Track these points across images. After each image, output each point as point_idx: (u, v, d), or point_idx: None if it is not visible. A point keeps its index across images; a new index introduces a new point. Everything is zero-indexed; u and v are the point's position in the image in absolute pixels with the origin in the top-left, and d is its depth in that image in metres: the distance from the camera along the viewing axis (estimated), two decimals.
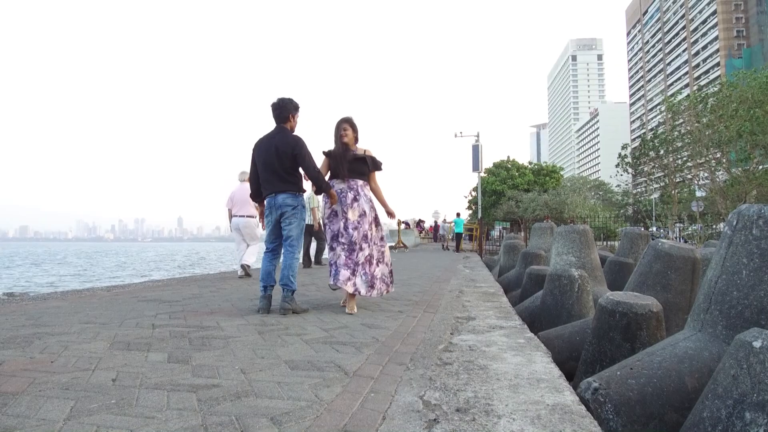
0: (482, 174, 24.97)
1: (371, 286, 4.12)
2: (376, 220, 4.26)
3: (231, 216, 7.50)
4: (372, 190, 4.36)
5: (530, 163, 46.32)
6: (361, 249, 4.07)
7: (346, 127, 4.25)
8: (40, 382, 1.99)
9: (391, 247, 24.45)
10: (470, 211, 46.73)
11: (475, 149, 21.53)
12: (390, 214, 4.48)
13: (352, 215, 4.11)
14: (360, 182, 4.22)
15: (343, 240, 4.07)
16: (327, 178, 4.27)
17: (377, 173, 4.41)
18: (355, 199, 4.15)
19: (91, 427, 1.54)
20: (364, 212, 4.15)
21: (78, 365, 2.26)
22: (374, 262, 4.18)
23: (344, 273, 3.99)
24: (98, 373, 2.13)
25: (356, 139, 4.32)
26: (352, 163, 4.18)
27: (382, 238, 4.30)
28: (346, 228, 4.07)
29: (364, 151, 4.32)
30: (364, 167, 4.26)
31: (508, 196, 36.90)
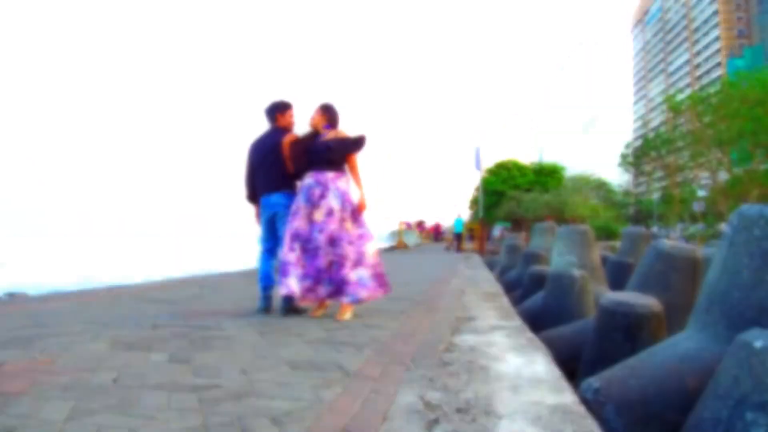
0: (483, 174, 24.96)
1: (339, 292, 3.62)
2: (352, 216, 3.73)
3: None
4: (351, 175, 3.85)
5: (531, 163, 46.33)
6: (325, 254, 3.60)
7: (314, 111, 3.84)
8: (41, 383, 1.99)
9: (392, 248, 24.41)
10: (471, 212, 46.72)
11: (477, 149, 21.56)
12: (360, 208, 3.80)
13: (318, 215, 3.64)
14: (330, 174, 3.70)
15: (310, 245, 3.63)
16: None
17: (358, 155, 3.82)
18: (322, 196, 3.66)
19: (92, 428, 1.54)
20: (331, 210, 3.65)
21: (79, 366, 2.26)
22: (348, 264, 3.62)
23: (303, 284, 3.61)
24: (99, 374, 2.13)
25: (330, 124, 3.83)
26: (313, 152, 3.73)
27: (361, 236, 3.73)
28: (311, 231, 3.62)
29: (335, 134, 3.79)
30: (332, 154, 3.73)
31: (510, 196, 36.90)
